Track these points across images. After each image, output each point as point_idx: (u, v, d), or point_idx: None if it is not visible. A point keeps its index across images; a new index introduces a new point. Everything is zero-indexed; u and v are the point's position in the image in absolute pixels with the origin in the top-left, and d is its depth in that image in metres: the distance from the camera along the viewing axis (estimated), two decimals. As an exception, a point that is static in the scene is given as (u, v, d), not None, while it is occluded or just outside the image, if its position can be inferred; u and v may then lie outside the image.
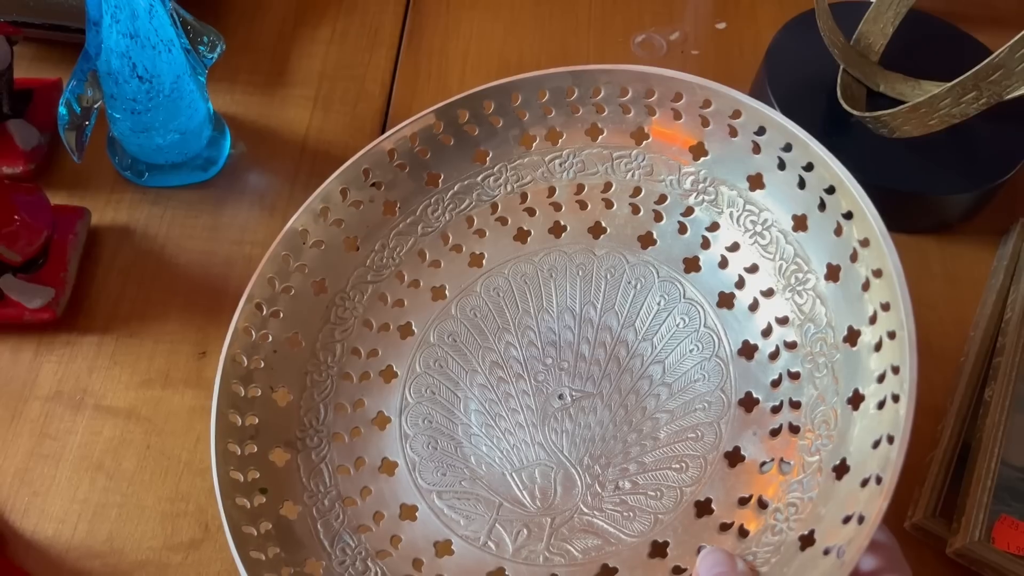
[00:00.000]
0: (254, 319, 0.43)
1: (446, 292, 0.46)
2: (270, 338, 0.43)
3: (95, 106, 0.50)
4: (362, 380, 0.44)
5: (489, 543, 0.40)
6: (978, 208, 0.57)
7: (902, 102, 0.52)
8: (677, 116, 0.42)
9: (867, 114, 0.53)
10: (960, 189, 0.54)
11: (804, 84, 0.58)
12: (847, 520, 0.32)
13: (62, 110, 0.48)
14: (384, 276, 0.46)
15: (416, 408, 0.43)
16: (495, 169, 0.46)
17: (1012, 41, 0.43)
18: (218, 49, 0.53)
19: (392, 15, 0.66)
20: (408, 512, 0.41)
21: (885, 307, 0.35)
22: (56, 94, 0.57)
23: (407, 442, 0.43)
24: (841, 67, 0.58)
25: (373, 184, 0.45)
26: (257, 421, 0.41)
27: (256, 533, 0.38)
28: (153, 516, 0.45)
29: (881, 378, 0.34)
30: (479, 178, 0.46)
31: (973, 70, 0.45)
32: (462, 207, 0.46)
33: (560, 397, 0.42)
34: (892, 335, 0.34)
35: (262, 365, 0.42)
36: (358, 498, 0.41)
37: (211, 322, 0.51)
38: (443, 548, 0.40)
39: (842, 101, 0.56)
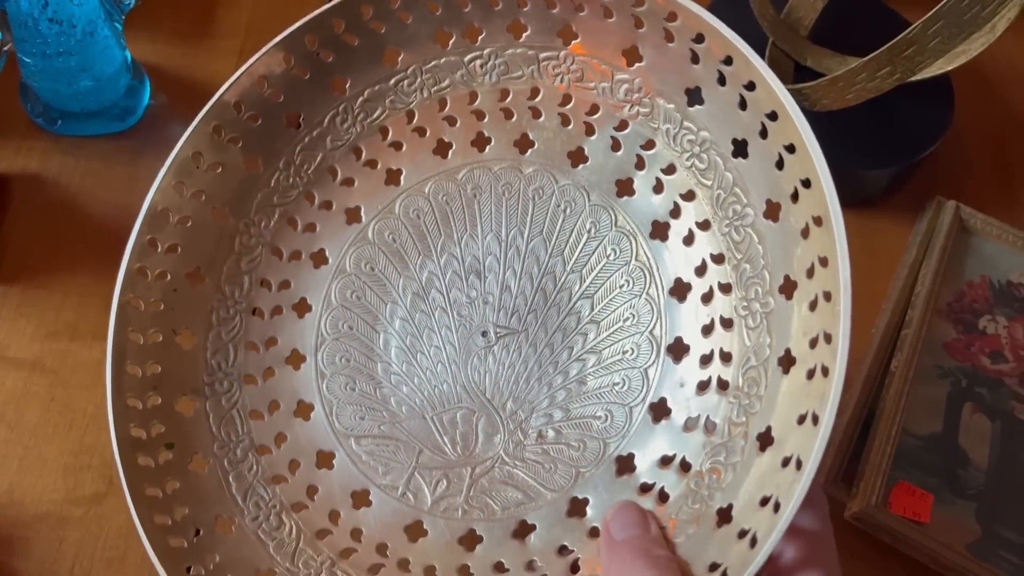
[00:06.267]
0: (148, 257, 0.39)
1: (361, 214, 0.42)
2: (168, 276, 0.39)
3: (4, 49, 0.48)
4: (274, 315, 0.41)
5: (407, 494, 0.38)
6: (898, 184, 0.58)
7: (827, 76, 0.52)
8: (608, 14, 0.38)
9: (789, 87, 0.54)
10: (880, 165, 0.55)
11: (734, 55, 0.58)
12: (764, 502, 0.31)
13: (-33, 51, 0.47)
14: (292, 198, 0.42)
15: (333, 345, 0.41)
16: (408, 71, 0.42)
17: (924, 18, 0.44)
18: (136, -5, 0.51)
19: (325, -30, 0.65)
20: (325, 460, 0.39)
21: (823, 262, 0.31)
22: (-33, 36, 0.55)
23: (323, 382, 0.40)
24: (770, 40, 0.58)
25: (267, 96, 0.40)
26: (160, 369, 0.38)
27: (162, 494, 0.36)
28: (55, 469, 0.44)
29: (813, 343, 0.32)
30: (391, 82, 0.42)
31: (887, 45, 0.46)
32: (374, 116, 0.42)
33: (484, 335, 0.40)
34: (828, 296, 0.31)
35: (161, 307, 0.39)
36: (273, 446, 0.39)
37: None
38: (360, 499, 0.38)
39: (769, 73, 0.56)
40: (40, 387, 0.46)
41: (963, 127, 0.60)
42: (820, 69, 0.59)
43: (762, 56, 0.57)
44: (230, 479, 0.38)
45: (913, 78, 0.49)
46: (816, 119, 0.55)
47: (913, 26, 0.45)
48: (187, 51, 0.59)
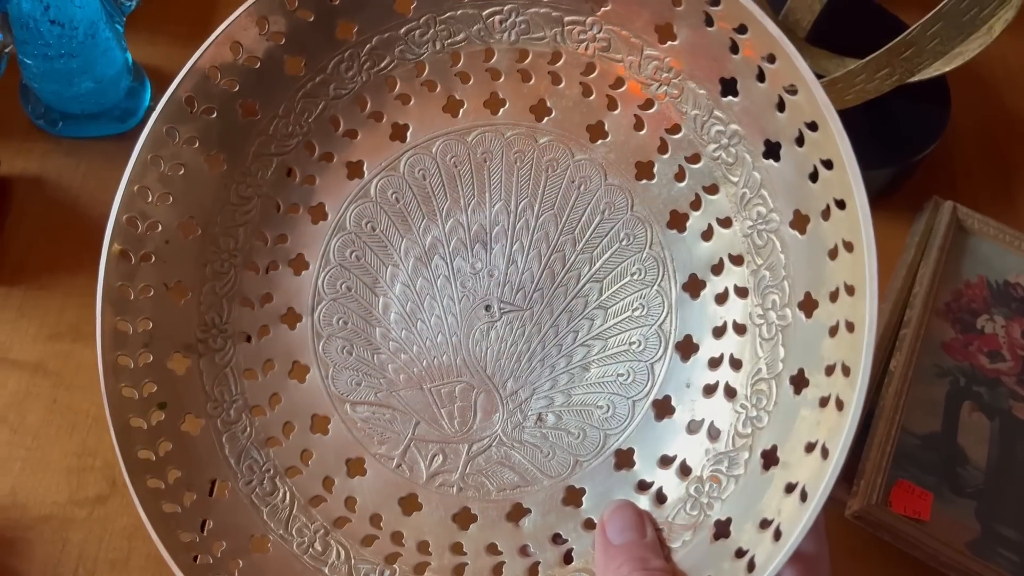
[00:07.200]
0: (138, 206, 0.36)
1: (364, 169, 0.39)
2: (160, 227, 0.37)
3: (5, 51, 0.48)
4: (269, 270, 0.39)
5: (403, 466, 0.37)
6: (896, 185, 0.58)
7: (825, 78, 0.52)
8: None
9: (789, 88, 0.54)
10: (878, 165, 0.56)
11: (732, 57, 0.59)
12: (765, 525, 0.30)
13: (-31, 53, 0.47)
14: (290, 147, 0.39)
15: (330, 305, 0.39)
16: (421, 21, 0.39)
17: (923, 19, 0.44)
18: (137, -3, 0.52)
19: (325, -29, 0.65)
20: (320, 424, 0.38)
21: (850, 290, 0.30)
22: (-33, 38, 0.55)
23: (320, 343, 0.39)
24: (768, 41, 0.58)
25: (268, 37, 0.37)
26: (151, 326, 0.37)
27: (154, 457, 0.35)
28: (58, 471, 0.44)
29: (830, 370, 0.30)
30: (402, 31, 0.39)
31: (887, 47, 0.46)
32: (381, 66, 0.39)
33: (487, 308, 0.39)
34: (851, 327, 0.30)
35: (153, 260, 0.37)
36: (267, 407, 0.38)
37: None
38: (355, 467, 0.38)
39: (768, 75, 0.57)
40: (42, 389, 0.46)
41: (960, 128, 0.61)
42: (818, 71, 0.58)
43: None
44: (223, 440, 0.37)
45: (911, 79, 0.49)
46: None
47: (912, 28, 0.45)
48: (188, 53, 0.58)
